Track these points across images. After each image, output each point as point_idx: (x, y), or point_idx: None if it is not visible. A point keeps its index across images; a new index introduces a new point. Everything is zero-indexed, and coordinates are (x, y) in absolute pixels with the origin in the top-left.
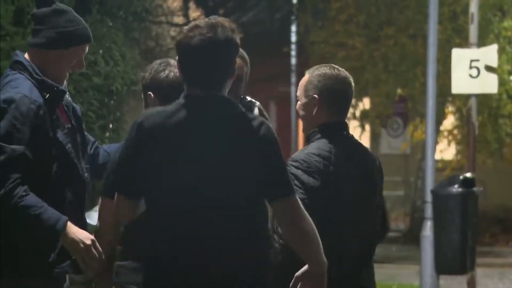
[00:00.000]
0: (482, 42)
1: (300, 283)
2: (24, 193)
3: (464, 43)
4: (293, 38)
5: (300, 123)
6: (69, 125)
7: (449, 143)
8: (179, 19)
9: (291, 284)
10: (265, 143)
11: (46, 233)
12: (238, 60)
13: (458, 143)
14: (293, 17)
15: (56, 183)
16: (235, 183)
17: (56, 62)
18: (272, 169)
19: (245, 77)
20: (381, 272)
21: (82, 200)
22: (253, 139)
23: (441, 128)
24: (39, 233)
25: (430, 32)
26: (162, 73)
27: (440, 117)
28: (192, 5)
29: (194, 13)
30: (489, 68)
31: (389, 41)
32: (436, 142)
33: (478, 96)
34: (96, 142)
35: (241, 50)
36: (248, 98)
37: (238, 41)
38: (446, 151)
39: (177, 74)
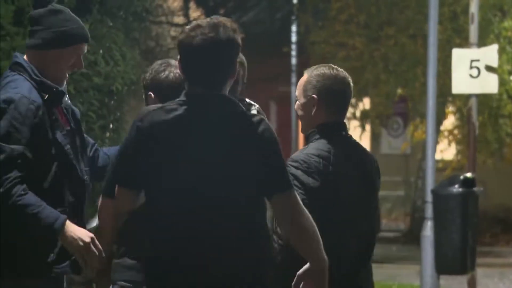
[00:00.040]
0: (482, 42)
1: (302, 282)
2: (22, 192)
3: (464, 43)
4: (294, 38)
5: (300, 123)
6: (68, 128)
7: (449, 143)
8: (179, 19)
9: (293, 283)
10: (265, 142)
11: (45, 232)
12: None
13: (458, 143)
14: (293, 17)
15: (55, 183)
16: (235, 182)
17: (54, 62)
18: (271, 167)
19: (241, 80)
20: (381, 272)
21: (82, 202)
22: (253, 138)
23: (442, 128)
24: (37, 232)
25: (431, 32)
26: (162, 74)
27: (440, 117)
28: (192, 5)
29: (195, 13)
30: (489, 68)
31: (389, 41)
32: (436, 142)
33: (478, 96)
34: (96, 145)
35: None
36: (247, 101)
37: (240, 41)
38: (446, 151)
39: (177, 74)
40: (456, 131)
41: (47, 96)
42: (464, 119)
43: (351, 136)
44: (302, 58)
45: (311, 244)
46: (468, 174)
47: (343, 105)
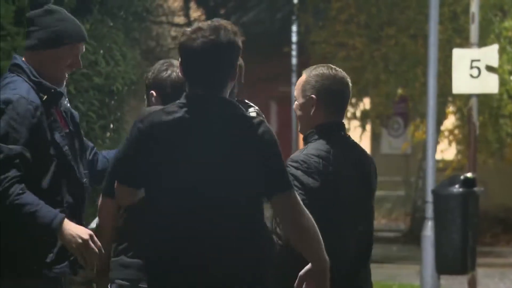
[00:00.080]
0: (482, 42)
1: (304, 283)
2: (20, 191)
3: (464, 43)
4: (294, 38)
5: (299, 123)
6: (67, 131)
7: (450, 143)
8: (179, 19)
9: (295, 284)
10: (264, 144)
11: (43, 230)
12: None
13: (459, 143)
14: (293, 17)
15: (53, 184)
16: (235, 182)
17: (51, 62)
18: (271, 169)
19: (237, 82)
20: (381, 272)
21: (80, 204)
22: (253, 140)
23: (442, 128)
24: (36, 231)
25: (431, 32)
26: (165, 73)
27: (441, 117)
28: (193, 5)
29: (195, 13)
30: (489, 68)
31: (389, 41)
32: (437, 142)
33: (478, 96)
34: (95, 148)
35: None
36: (246, 102)
37: (240, 44)
38: (447, 151)
39: (180, 74)
40: (456, 131)
41: (45, 97)
42: (464, 119)
43: (349, 136)
44: (302, 58)
45: (312, 244)
46: (469, 174)
47: (341, 105)
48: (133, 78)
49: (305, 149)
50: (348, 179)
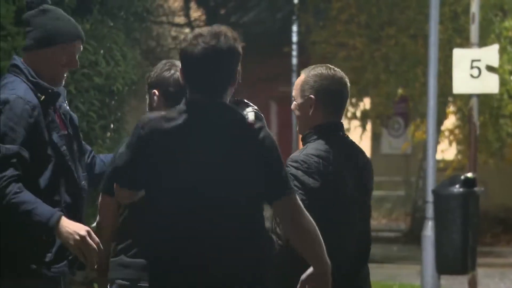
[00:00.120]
0: (483, 42)
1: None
2: (18, 190)
3: (465, 43)
4: (294, 38)
5: (298, 123)
6: (66, 132)
7: (450, 143)
8: (180, 19)
9: None
10: (265, 149)
11: (40, 229)
12: None
13: (459, 143)
14: (294, 17)
15: (51, 184)
16: (235, 182)
17: (46, 62)
18: (272, 174)
19: None
20: (382, 272)
21: (79, 205)
22: (254, 145)
23: (442, 128)
24: (35, 230)
25: (431, 32)
26: (168, 72)
27: (441, 117)
28: (193, 5)
29: (195, 13)
30: (490, 68)
31: (390, 41)
32: (437, 142)
33: (479, 96)
34: (93, 152)
35: None
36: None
37: (240, 50)
38: (447, 151)
39: None
40: (457, 131)
41: (43, 97)
42: (465, 119)
43: (347, 136)
44: (302, 58)
45: (313, 246)
46: (469, 174)
47: (340, 105)
48: (134, 78)
49: (304, 149)
50: (347, 179)
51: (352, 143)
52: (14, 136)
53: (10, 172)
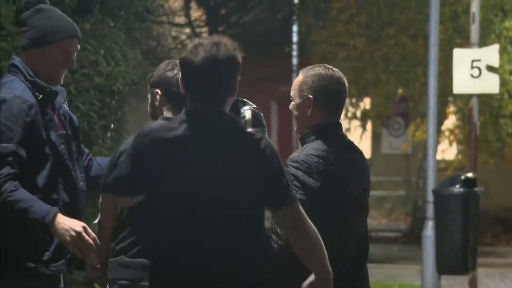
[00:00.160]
0: (483, 42)
1: None
2: (14, 188)
3: (465, 43)
4: (295, 38)
5: (296, 123)
6: (64, 132)
7: (450, 143)
8: (180, 19)
9: None
10: (266, 159)
11: (36, 226)
12: None
13: (459, 143)
14: (294, 17)
15: (49, 182)
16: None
17: (43, 61)
18: (272, 184)
19: None
20: (382, 272)
21: (78, 205)
22: (254, 155)
23: (443, 128)
24: (32, 228)
25: (432, 32)
26: (170, 72)
27: (441, 117)
28: (193, 5)
29: (196, 13)
30: (490, 68)
31: (390, 41)
32: (437, 142)
33: (479, 96)
34: (90, 155)
35: None
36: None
37: (240, 59)
38: (447, 151)
39: None
40: (457, 131)
41: (41, 96)
42: (465, 119)
43: (346, 136)
44: (303, 58)
45: (315, 253)
46: (469, 174)
47: (338, 105)
48: (134, 78)
49: (304, 150)
50: (347, 179)
51: (351, 143)
52: (11, 135)
53: (6, 170)
